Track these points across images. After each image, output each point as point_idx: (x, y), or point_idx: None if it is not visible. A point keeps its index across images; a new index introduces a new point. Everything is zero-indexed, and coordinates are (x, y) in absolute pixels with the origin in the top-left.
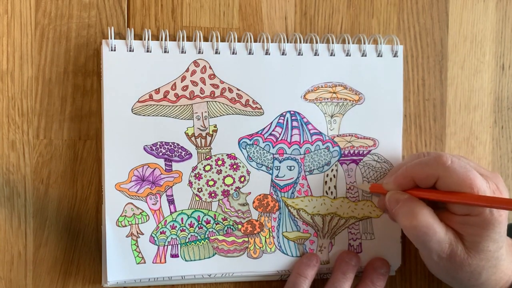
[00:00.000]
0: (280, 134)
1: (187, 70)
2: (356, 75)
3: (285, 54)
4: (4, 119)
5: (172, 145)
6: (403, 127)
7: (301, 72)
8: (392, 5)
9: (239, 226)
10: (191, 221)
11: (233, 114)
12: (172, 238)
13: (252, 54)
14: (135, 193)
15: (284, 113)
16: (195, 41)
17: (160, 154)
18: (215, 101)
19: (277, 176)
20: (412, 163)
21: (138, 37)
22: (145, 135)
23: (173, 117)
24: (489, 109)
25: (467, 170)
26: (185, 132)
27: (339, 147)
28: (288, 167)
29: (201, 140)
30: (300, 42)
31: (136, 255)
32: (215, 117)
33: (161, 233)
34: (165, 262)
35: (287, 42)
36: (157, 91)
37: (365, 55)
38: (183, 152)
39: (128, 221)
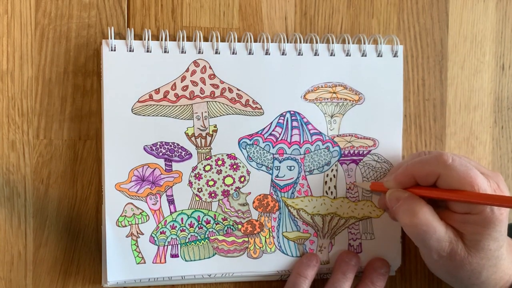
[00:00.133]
0: (280, 134)
1: (187, 70)
2: (356, 75)
3: (285, 54)
4: (4, 119)
5: (172, 145)
6: (403, 127)
7: (301, 72)
8: (392, 5)
9: (239, 226)
10: (191, 221)
11: (233, 114)
12: (172, 238)
13: (252, 54)
14: (135, 193)
15: (284, 113)
16: (195, 41)
17: (160, 154)
18: (215, 101)
19: (277, 176)
20: (413, 161)
21: (138, 37)
22: (145, 135)
23: (173, 117)
24: (489, 109)
25: (468, 169)
26: (185, 132)
27: (339, 147)
28: (288, 167)
29: (201, 140)
30: (300, 42)
31: (136, 255)
32: (215, 117)
33: (161, 233)
34: (165, 262)
35: (287, 42)
36: (157, 91)
37: (365, 55)
38: (183, 152)
39: (128, 221)
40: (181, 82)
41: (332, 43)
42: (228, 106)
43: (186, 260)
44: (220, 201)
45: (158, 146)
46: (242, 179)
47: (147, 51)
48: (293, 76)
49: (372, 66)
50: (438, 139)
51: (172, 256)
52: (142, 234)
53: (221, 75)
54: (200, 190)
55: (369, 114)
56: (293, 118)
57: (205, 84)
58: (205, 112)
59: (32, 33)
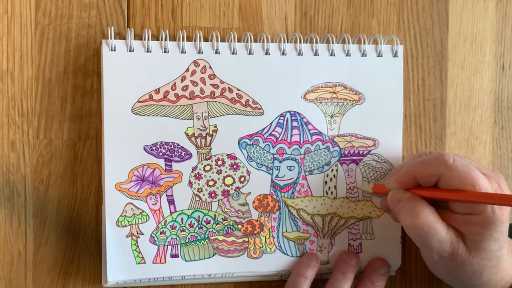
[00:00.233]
0: (280, 134)
1: (187, 70)
2: (356, 75)
3: (285, 54)
4: (4, 119)
5: (172, 145)
6: (403, 127)
7: (301, 72)
8: (392, 5)
9: (239, 226)
10: (191, 221)
11: (233, 114)
12: (172, 238)
13: (252, 54)
14: (135, 193)
15: (284, 113)
16: (195, 41)
17: (160, 154)
18: (215, 101)
19: (277, 176)
20: (414, 162)
21: (138, 37)
22: (145, 135)
23: (173, 117)
24: (489, 109)
25: (469, 169)
26: (185, 132)
27: (339, 147)
28: (288, 167)
29: (201, 140)
30: (300, 42)
31: (136, 255)
32: (215, 117)
33: (161, 233)
34: (165, 262)
35: (287, 42)
36: (157, 91)
37: (365, 55)
38: (183, 152)
39: (128, 221)
40: (181, 82)
41: (332, 43)
42: (228, 106)
43: (186, 260)
44: (220, 201)
45: (158, 146)
46: (242, 179)
47: (147, 51)
48: (293, 76)
49: (372, 66)
50: (438, 139)
51: (172, 256)
52: (142, 234)
53: (221, 75)
54: (200, 190)
55: (369, 114)
56: (293, 118)
57: (205, 84)
58: (205, 112)
59: (32, 33)
